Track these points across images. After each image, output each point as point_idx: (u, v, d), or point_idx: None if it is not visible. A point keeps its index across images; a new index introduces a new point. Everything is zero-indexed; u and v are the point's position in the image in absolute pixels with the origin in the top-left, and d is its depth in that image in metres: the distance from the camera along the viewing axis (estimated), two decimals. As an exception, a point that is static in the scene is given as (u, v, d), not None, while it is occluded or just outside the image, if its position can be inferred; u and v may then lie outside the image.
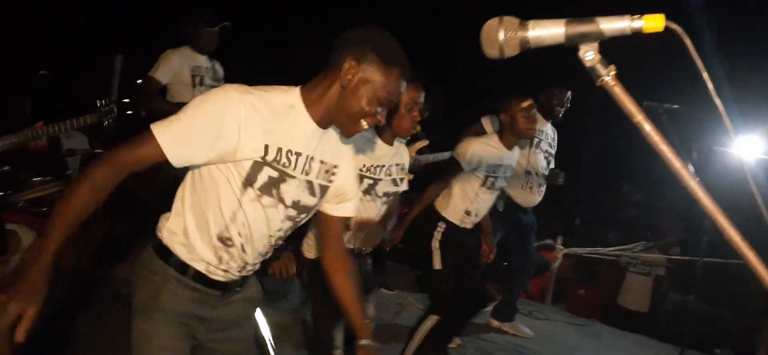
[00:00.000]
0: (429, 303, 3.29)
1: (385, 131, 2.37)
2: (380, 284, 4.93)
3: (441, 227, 3.18)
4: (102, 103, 3.00)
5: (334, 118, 1.54)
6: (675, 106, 3.33)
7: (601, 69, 0.76)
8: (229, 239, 1.56)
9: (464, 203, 3.20)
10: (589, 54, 0.76)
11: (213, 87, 3.78)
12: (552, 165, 4.19)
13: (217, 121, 1.40)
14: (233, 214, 1.53)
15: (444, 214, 3.21)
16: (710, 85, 0.74)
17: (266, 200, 1.53)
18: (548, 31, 0.78)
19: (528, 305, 5.29)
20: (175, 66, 3.68)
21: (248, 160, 1.47)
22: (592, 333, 4.88)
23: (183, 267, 1.58)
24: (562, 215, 7.66)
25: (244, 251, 1.59)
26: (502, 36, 0.80)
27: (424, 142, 4.48)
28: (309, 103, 1.52)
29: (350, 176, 1.73)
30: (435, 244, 3.16)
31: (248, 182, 1.49)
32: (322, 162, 1.60)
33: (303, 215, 1.65)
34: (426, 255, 3.20)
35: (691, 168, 3.46)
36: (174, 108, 3.89)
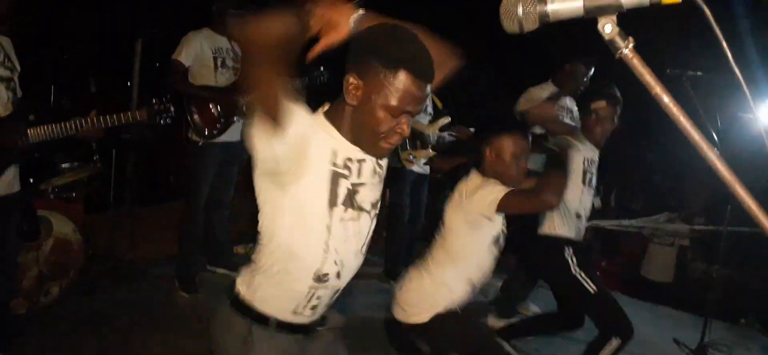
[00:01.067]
0: (599, 329, 3.03)
1: None
2: (393, 278, 4.88)
3: (568, 252, 2.98)
4: (156, 102, 3.03)
5: (357, 141, 1.41)
6: (699, 74, 3.28)
7: (619, 41, 0.76)
8: (326, 275, 1.44)
9: (574, 204, 3.04)
10: (607, 27, 0.76)
11: (235, 68, 3.82)
12: None
13: (306, 116, 1.35)
14: (326, 243, 1.41)
15: (561, 234, 3.04)
16: (729, 54, 0.74)
17: (350, 213, 1.43)
18: (566, 5, 0.78)
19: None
20: (197, 48, 3.72)
21: (325, 173, 1.38)
22: (615, 305, 4.87)
23: (263, 319, 1.46)
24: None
25: (339, 277, 1.48)
26: (520, 10, 0.80)
27: (446, 119, 4.45)
28: (338, 127, 1.41)
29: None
30: (576, 272, 2.94)
31: (333, 201, 1.40)
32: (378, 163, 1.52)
33: (379, 206, 1.56)
34: (571, 288, 2.99)
35: (715, 137, 3.42)
36: (200, 91, 3.92)
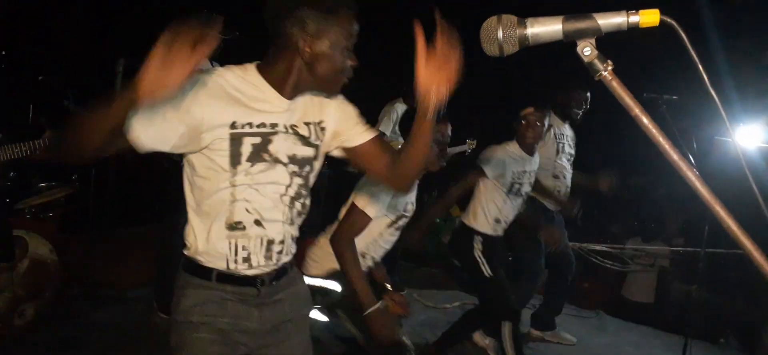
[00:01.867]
0: (489, 315, 3.36)
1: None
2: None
3: (478, 240, 3.24)
4: None
5: (313, 88, 1.52)
6: (674, 97, 3.34)
7: (598, 64, 0.78)
8: (239, 223, 1.49)
9: (493, 211, 3.28)
10: (586, 49, 0.78)
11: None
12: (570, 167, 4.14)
13: (183, 103, 1.35)
14: (232, 195, 1.47)
15: (477, 227, 3.28)
16: (705, 77, 0.76)
17: (260, 166, 1.47)
18: (546, 28, 0.80)
19: (532, 299, 5.31)
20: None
21: (223, 139, 1.42)
22: (597, 325, 4.90)
23: (206, 272, 1.52)
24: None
25: (259, 225, 1.51)
26: (501, 34, 0.81)
27: (472, 144, 4.55)
28: (274, 83, 1.47)
29: (344, 115, 1.64)
30: (477, 254, 3.21)
31: (234, 160, 1.44)
32: (306, 123, 1.57)
33: (307, 168, 1.58)
34: (470, 268, 3.26)
35: (692, 159, 3.48)
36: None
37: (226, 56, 3.94)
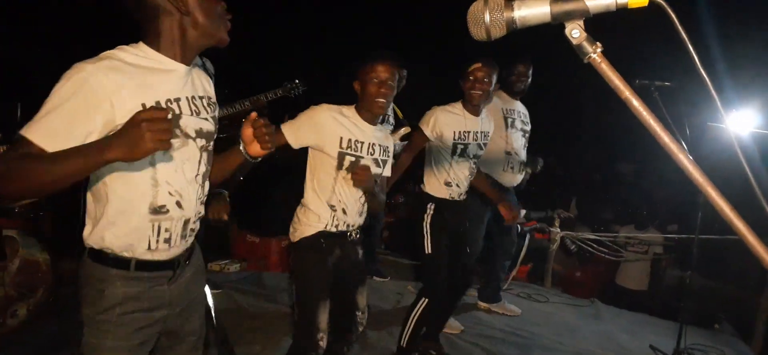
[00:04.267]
0: (421, 288, 3.34)
1: (362, 109, 2.48)
2: (372, 272, 4.96)
3: (430, 208, 3.22)
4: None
5: (199, 44, 1.50)
6: (667, 84, 3.33)
7: (587, 46, 0.76)
8: (163, 206, 1.49)
9: (441, 174, 3.25)
10: (575, 32, 0.76)
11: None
12: (526, 144, 4.18)
13: (87, 100, 1.30)
14: (153, 177, 1.46)
15: (430, 192, 3.26)
16: (696, 59, 0.74)
17: (176, 142, 1.47)
18: (533, 11, 0.78)
19: (527, 288, 5.33)
20: None
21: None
22: (592, 313, 4.91)
23: (123, 262, 1.48)
24: (559, 197, 7.67)
25: (180, 207, 1.52)
26: (488, 17, 0.80)
27: (407, 129, 4.54)
28: (164, 50, 1.45)
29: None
30: (426, 227, 3.20)
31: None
32: (201, 97, 1.58)
33: (211, 142, 1.62)
34: (417, 238, 3.25)
35: (684, 145, 3.48)
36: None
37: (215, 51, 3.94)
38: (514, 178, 4.10)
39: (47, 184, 1.24)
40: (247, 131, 1.69)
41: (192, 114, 1.52)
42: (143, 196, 1.46)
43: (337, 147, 2.41)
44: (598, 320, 4.75)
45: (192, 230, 1.60)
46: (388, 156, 2.62)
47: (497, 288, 4.56)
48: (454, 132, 3.20)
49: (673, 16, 0.72)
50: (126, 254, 1.48)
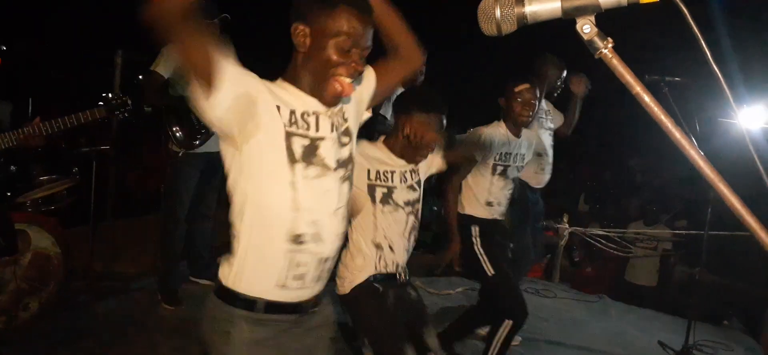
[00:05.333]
0: (492, 310, 3.16)
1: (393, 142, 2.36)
2: None
3: (475, 230, 3.11)
4: (113, 97, 2.98)
5: (314, 87, 1.46)
6: (677, 79, 3.31)
7: (598, 42, 0.76)
8: (301, 236, 1.42)
9: (483, 194, 3.16)
10: (586, 27, 0.76)
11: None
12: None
13: (245, 75, 1.36)
14: (294, 200, 1.40)
15: (471, 213, 3.16)
16: (708, 53, 0.74)
17: (313, 170, 1.44)
18: (544, 6, 0.78)
19: (535, 284, 5.32)
20: (176, 60, 3.68)
21: (277, 131, 1.39)
22: (600, 309, 4.90)
23: (250, 303, 1.43)
24: (568, 193, 7.65)
25: (319, 240, 1.46)
26: (498, 13, 0.80)
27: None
28: (294, 81, 1.47)
29: (367, 75, 1.66)
30: (478, 251, 3.08)
31: (291, 157, 1.40)
32: (336, 112, 1.54)
33: (350, 169, 1.56)
34: (473, 264, 3.13)
35: (694, 141, 3.46)
36: (178, 102, 3.92)
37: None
38: (544, 179, 4.03)
39: None
40: None
41: (333, 130, 1.49)
42: (282, 220, 1.41)
43: (366, 179, 2.28)
44: (606, 315, 4.75)
45: (328, 270, 1.54)
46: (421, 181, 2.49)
47: None
48: (497, 154, 3.12)
49: (686, 11, 0.72)
50: (253, 294, 1.43)
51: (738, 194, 0.77)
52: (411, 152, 2.33)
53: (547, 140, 4.04)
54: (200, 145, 3.72)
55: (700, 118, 3.50)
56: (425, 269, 5.18)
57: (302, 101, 1.46)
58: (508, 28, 0.80)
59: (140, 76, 3.78)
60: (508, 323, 2.96)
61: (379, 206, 2.28)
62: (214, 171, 3.95)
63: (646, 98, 0.74)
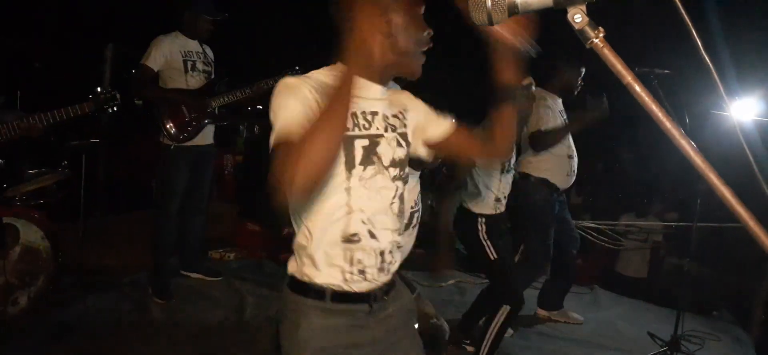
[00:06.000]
0: (497, 297, 3.26)
1: None
2: None
3: (482, 222, 3.20)
4: (102, 91, 2.99)
5: (396, 67, 1.46)
6: (666, 71, 3.32)
7: (589, 31, 0.76)
8: (355, 235, 1.43)
9: (493, 192, 3.23)
10: (577, 16, 0.76)
11: (205, 71, 3.79)
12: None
13: (303, 95, 1.31)
14: (347, 204, 1.41)
15: (478, 211, 3.22)
16: (699, 43, 0.74)
17: (370, 170, 1.43)
18: (536, -5, 0.78)
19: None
20: (166, 52, 3.66)
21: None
22: (591, 300, 4.93)
23: (320, 292, 1.43)
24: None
25: (373, 237, 1.46)
26: (489, 2, 0.79)
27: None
28: (363, 75, 1.39)
29: (421, 107, 1.64)
30: (483, 238, 3.17)
31: (349, 163, 1.40)
32: (393, 115, 1.53)
33: (404, 170, 1.55)
34: (476, 253, 3.24)
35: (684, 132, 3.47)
36: (169, 94, 3.91)
37: (215, 38, 3.94)
38: (571, 180, 3.98)
39: (322, 143, 1.19)
40: None
41: (388, 130, 1.49)
42: (337, 223, 1.41)
43: None
44: (597, 307, 4.77)
45: (390, 263, 1.53)
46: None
47: (562, 294, 4.35)
48: None
49: (678, 1, 0.72)
50: (322, 284, 1.44)
51: (729, 186, 0.77)
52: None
53: (570, 140, 3.96)
54: (191, 138, 3.70)
55: (691, 111, 3.52)
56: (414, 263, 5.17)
57: (366, 95, 1.44)
58: (499, 17, 0.80)
59: (133, 71, 3.76)
60: (505, 309, 3.09)
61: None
62: (205, 165, 3.94)
63: (637, 88, 0.74)
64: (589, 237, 5.65)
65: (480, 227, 3.19)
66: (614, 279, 6.14)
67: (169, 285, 3.80)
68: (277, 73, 3.73)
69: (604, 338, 4.06)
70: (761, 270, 4.84)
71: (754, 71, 4.51)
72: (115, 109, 3.04)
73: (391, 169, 1.49)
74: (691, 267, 3.84)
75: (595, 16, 0.78)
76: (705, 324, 4.45)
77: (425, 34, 1.45)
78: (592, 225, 5.89)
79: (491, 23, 0.80)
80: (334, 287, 1.43)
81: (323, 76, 1.40)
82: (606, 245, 5.82)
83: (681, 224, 5.56)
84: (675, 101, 3.38)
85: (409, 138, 1.58)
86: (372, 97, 1.46)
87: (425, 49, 1.46)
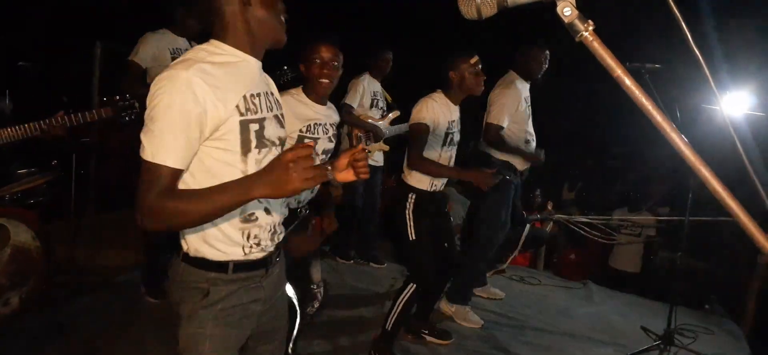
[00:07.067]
0: (408, 273, 3.37)
1: (311, 93, 2.57)
2: (370, 259, 4.98)
3: (411, 197, 3.23)
4: (120, 99, 2.98)
5: (264, 40, 1.51)
6: (657, 66, 3.32)
7: (579, 24, 0.75)
8: (253, 214, 1.53)
9: None
10: (566, 10, 0.75)
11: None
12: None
13: (187, 113, 1.32)
14: None
15: (412, 184, 3.26)
16: (689, 36, 0.74)
17: (264, 152, 1.50)
18: (526, -11, 0.77)
19: (520, 271, 5.35)
20: (154, 49, 3.64)
21: (234, 126, 1.41)
22: (584, 295, 4.95)
23: (222, 266, 1.52)
24: (552, 181, 7.69)
25: (268, 213, 1.58)
26: (479, -4, 0.79)
27: (396, 113, 4.59)
28: (237, 44, 1.46)
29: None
30: (408, 215, 3.22)
31: (246, 148, 1.45)
32: (271, 93, 1.60)
33: (284, 147, 1.63)
34: (398, 226, 3.28)
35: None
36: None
37: (204, 36, 3.92)
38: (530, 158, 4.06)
39: (195, 222, 1.39)
40: (343, 160, 1.66)
41: (268, 109, 1.53)
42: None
43: (297, 132, 2.54)
44: (590, 301, 4.79)
45: (280, 231, 1.66)
46: (335, 131, 2.75)
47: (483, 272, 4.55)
48: (448, 122, 3.21)
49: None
50: (223, 260, 1.52)
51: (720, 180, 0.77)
52: (314, 85, 2.56)
53: (531, 126, 4.05)
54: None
55: (682, 106, 3.52)
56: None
57: (248, 75, 1.50)
58: (489, 11, 0.79)
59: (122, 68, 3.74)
60: (412, 287, 3.22)
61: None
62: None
63: (627, 81, 0.74)
64: (582, 232, 5.67)
65: (408, 202, 3.23)
66: (607, 274, 6.17)
67: (162, 283, 3.78)
68: (266, 71, 3.72)
69: (597, 332, 4.08)
70: (753, 263, 4.87)
71: (745, 65, 4.53)
72: (133, 117, 3.02)
73: (278, 148, 1.57)
74: (684, 261, 3.85)
75: (583, 11, 0.78)
76: (697, 317, 4.47)
77: (280, 4, 1.50)
78: (585, 220, 5.91)
79: (480, 17, 0.80)
80: (235, 260, 1.53)
81: (204, 53, 1.43)
82: (599, 239, 5.84)
83: (673, 218, 5.58)
84: (666, 96, 3.39)
85: (283, 117, 1.66)
86: (251, 78, 1.49)
87: (284, 17, 1.52)
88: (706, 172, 0.77)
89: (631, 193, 6.66)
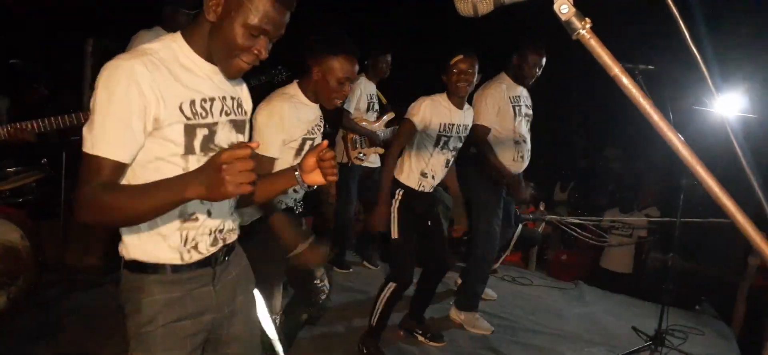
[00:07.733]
0: (388, 273, 3.37)
1: (319, 100, 2.44)
2: (365, 257, 4.97)
3: (399, 194, 3.22)
4: None
5: (222, 60, 1.43)
6: (650, 67, 3.33)
7: (576, 22, 0.74)
8: (193, 214, 1.45)
9: (419, 164, 3.24)
10: (563, 7, 0.74)
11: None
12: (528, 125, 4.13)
13: (128, 104, 1.27)
14: None
15: (401, 180, 3.25)
16: (686, 33, 0.73)
17: (210, 156, 1.38)
18: (522, -14, 0.76)
19: (512, 271, 5.35)
20: None
21: (178, 126, 1.36)
22: (576, 295, 4.95)
23: (160, 267, 1.45)
24: (544, 182, 7.70)
25: (210, 215, 1.49)
26: (475, -7, 0.78)
27: (391, 115, 4.57)
28: (196, 48, 1.42)
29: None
30: (393, 212, 3.21)
31: (188, 150, 1.39)
32: (232, 98, 1.53)
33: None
34: (387, 223, 3.25)
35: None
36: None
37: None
38: (522, 166, 3.99)
39: (131, 220, 1.32)
40: (310, 161, 1.59)
41: (222, 114, 1.48)
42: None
43: (302, 136, 2.41)
44: (582, 302, 4.80)
45: (223, 237, 1.56)
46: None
47: None
48: (441, 123, 3.19)
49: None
50: (160, 261, 1.45)
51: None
52: (326, 98, 2.40)
53: (525, 127, 4.01)
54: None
55: (675, 107, 3.53)
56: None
57: (203, 78, 1.44)
58: (485, 8, 0.78)
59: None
60: (391, 285, 3.22)
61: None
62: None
63: (624, 80, 0.73)
64: (574, 233, 5.68)
65: (395, 198, 3.22)
66: (599, 274, 6.18)
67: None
68: (259, 71, 3.70)
69: (589, 333, 4.08)
70: (744, 264, 4.90)
71: (738, 67, 4.55)
72: None
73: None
74: (675, 262, 3.86)
75: (579, 8, 0.77)
76: (688, 318, 4.49)
77: (248, 49, 1.39)
78: (577, 221, 5.92)
79: (476, 14, 0.79)
80: (170, 262, 1.46)
81: (160, 45, 1.39)
82: (591, 241, 5.85)
83: (665, 219, 5.60)
84: (659, 98, 3.40)
85: (246, 124, 1.61)
86: (206, 84, 1.44)
87: (246, 58, 1.41)
88: (702, 172, 0.76)
89: (623, 194, 6.67)
